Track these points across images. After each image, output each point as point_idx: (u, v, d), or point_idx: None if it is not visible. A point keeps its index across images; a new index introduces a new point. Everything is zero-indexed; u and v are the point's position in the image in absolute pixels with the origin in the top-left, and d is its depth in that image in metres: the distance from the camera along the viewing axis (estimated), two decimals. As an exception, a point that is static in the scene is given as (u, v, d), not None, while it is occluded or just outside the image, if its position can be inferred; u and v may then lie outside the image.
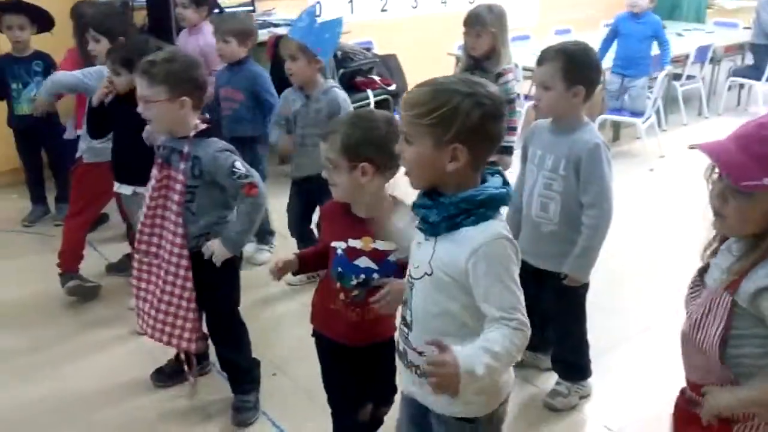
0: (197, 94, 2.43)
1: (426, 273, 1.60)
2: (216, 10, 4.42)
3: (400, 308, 1.76)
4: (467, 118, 1.49)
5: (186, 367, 2.73)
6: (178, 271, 2.47)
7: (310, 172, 3.14)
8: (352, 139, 1.92)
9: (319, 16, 3.27)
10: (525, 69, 5.26)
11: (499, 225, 1.56)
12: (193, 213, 2.44)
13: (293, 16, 5.82)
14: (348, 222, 2.01)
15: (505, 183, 1.61)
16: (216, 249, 2.41)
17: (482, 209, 1.54)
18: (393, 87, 5.05)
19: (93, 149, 3.32)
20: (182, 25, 4.18)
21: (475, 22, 3.46)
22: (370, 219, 1.93)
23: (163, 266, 2.50)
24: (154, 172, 2.48)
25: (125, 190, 3.10)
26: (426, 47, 6.14)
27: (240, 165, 2.39)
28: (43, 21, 4.04)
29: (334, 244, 2.03)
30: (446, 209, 1.55)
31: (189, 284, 2.47)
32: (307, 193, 3.38)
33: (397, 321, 1.79)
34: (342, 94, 3.29)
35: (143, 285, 2.60)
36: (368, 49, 5.36)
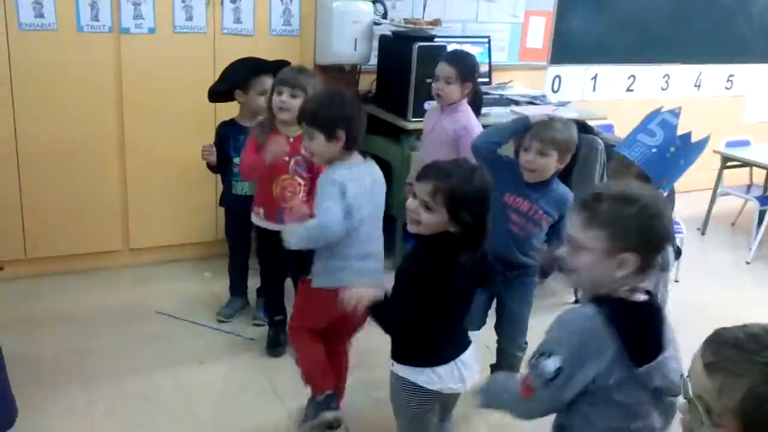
0: (645, 255, 1.68)
1: None
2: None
3: None
4: None
5: None
6: None
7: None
8: None
9: (679, 114, 2.30)
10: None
11: None
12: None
13: (533, 91, 4.96)
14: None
15: None
16: None
17: None
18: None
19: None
20: (437, 101, 3.38)
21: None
22: None
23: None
24: None
25: None
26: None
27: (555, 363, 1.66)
28: None
29: None
30: None
31: None
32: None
33: None
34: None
35: None
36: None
